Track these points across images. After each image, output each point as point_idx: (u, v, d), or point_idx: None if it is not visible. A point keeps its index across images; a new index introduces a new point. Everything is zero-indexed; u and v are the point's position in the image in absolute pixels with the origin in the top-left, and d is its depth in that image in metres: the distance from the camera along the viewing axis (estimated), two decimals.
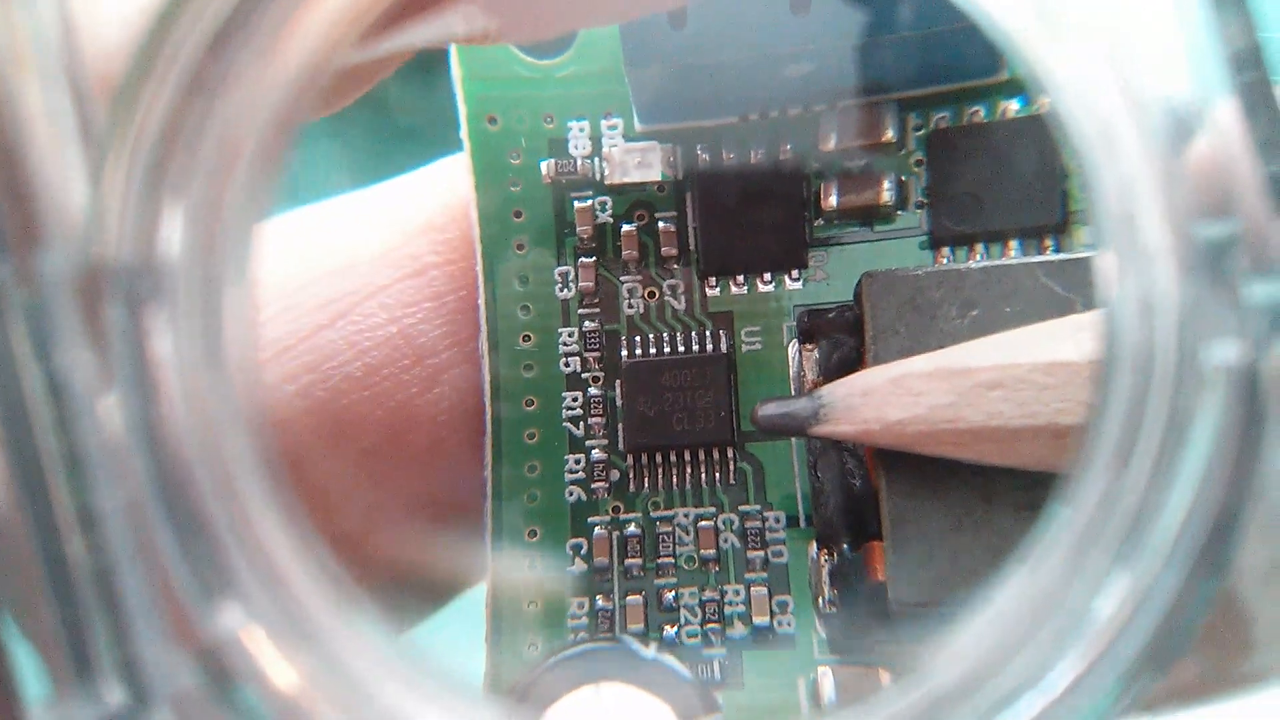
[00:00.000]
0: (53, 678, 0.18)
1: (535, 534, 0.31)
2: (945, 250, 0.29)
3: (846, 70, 0.29)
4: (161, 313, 0.18)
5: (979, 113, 0.29)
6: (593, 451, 0.31)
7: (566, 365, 0.31)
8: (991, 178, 0.29)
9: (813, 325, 0.28)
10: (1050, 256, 0.27)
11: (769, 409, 0.27)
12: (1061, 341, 0.24)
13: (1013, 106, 0.29)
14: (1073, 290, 0.26)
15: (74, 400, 0.18)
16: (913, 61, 0.28)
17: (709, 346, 0.30)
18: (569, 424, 0.31)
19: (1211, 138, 0.15)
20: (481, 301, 0.30)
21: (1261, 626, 0.16)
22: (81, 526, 0.18)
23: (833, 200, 0.29)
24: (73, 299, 0.18)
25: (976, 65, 0.29)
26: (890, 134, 0.29)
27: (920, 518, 0.26)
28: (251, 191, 0.19)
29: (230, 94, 0.18)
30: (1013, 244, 0.29)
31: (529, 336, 0.31)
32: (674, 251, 0.30)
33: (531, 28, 0.23)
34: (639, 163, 0.30)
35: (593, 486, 0.31)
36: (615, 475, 0.31)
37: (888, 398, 0.25)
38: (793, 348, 0.29)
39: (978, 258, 0.29)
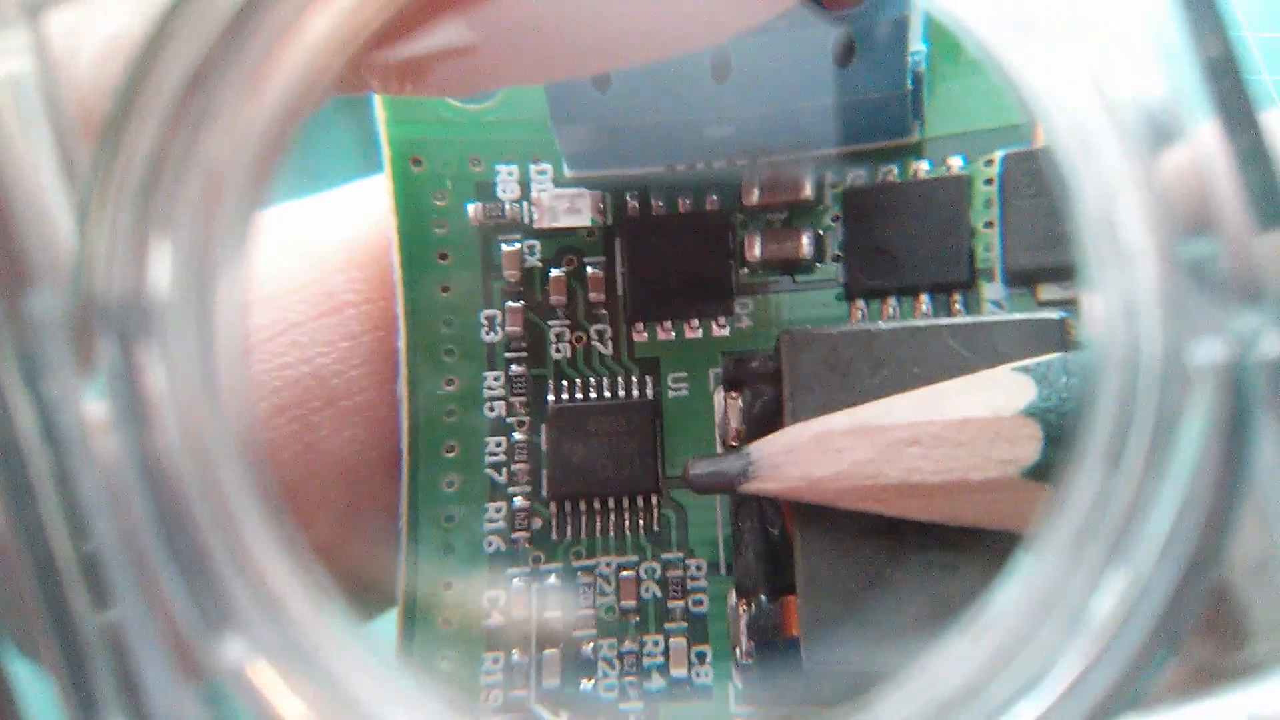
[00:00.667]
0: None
1: (450, 586, 0.30)
2: (859, 302, 0.30)
3: (766, 132, 0.29)
4: (153, 347, 0.18)
5: (893, 172, 0.30)
6: (515, 499, 0.30)
7: (491, 410, 0.30)
8: (903, 234, 0.30)
9: (737, 373, 0.28)
10: (956, 320, 0.29)
11: (700, 468, 0.27)
12: (973, 397, 0.25)
13: (923, 167, 0.30)
14: (976, 353, 0.27)
15: (69, 438, 0.18)
16: (829, 124, 0.29)
17: (635, 393, 0.30)
18: (491, 470, 0.30)
19: (1191, 148, 0.16)
20: (401, 343, 0.30)
21: (1255, 617, 0.17)
22: (82, 565, 0.18)
23: (756, 251, 0.30)
24: (64, 337, 0.18)
25: (890, 127, 0.30)
26: (808, 191, 0.30)
27: (833, 577, 0.26)
28: (238, 223, 0.19)
29: (214, 128, 0.18)
30: (923, 298, 0.30)
31: (453, 380, 0.30)
32: (602, 297, 0.30)
33: (460, 82, 0.23)
34: (568, 208, 0.30)
35: (513, 536, 0.30)
36: (538, 523, 0.30)
37: (811, 455, 0.26)
38: (718, 395, 0.29)
39: (890, 311, 0.30)
